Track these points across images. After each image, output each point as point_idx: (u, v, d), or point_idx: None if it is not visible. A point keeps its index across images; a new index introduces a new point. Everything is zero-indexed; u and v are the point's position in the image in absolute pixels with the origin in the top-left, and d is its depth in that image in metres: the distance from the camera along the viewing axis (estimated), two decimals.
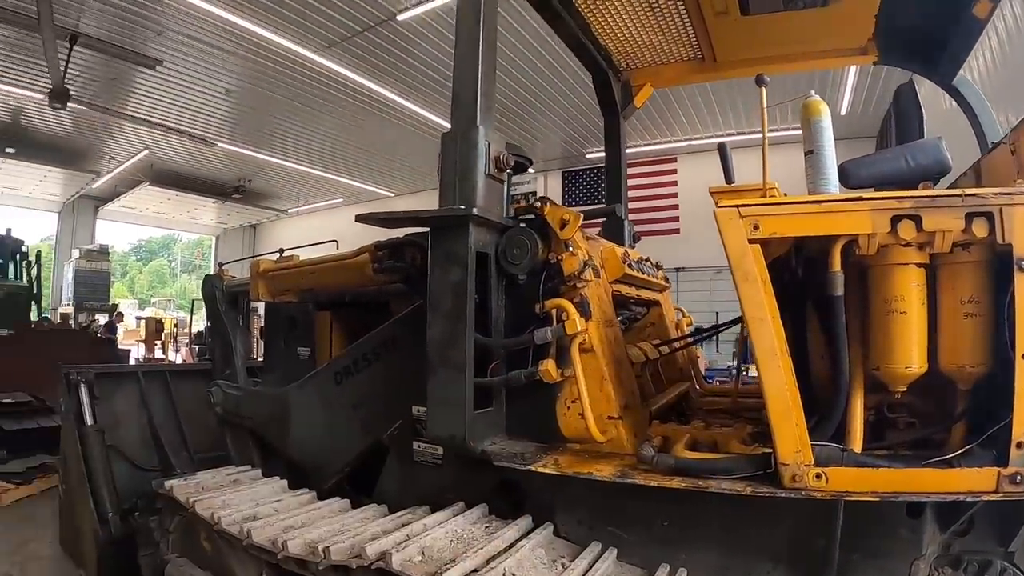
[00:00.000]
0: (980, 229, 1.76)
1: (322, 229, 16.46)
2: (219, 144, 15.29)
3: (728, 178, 2.91)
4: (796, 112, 2.51)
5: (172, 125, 13.71)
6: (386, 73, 11.15)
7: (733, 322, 2.35)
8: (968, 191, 1.80)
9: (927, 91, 7.27)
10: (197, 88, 12.04)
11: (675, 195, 15.22)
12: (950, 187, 2.58)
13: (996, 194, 1.75)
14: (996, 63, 7.33)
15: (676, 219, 15.06)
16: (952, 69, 3.49)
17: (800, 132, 2.50)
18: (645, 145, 14.79)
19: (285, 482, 3.08)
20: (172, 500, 2.97)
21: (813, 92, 2.52)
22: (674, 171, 15.31)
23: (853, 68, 10.36)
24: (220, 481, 3.12)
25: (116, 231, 25.65)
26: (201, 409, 4.03)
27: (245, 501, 2.78)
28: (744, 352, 2.74)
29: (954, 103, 3.60)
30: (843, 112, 11.80)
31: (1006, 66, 7.09)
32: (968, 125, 3.46)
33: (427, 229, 2.45)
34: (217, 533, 2.58)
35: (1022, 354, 1.72)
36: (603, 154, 4.45)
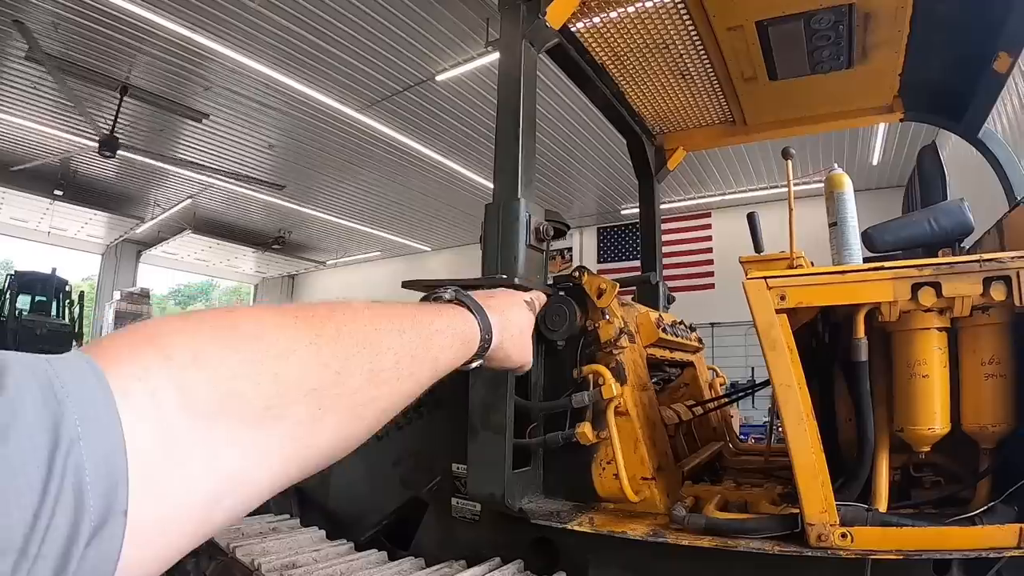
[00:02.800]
0: (998, 293, 1.81)
1: (359, 282, 16.83)
2: (259, 196, 15.79)
3: (757, 247, 3.00)
4: (824, 163, 2.59)
5: (219, 170, 14.23)
6: (424, 131, 11.51)
7: (763, 384, 2.42)
8: (986, 256, 1.86)
9: (955, 144, 7.29)
10: (241, 141, 12.51)
11: (709, 250, 15.20)
12: (974, 245, 2.65)
13: (1013, 258, 1.81)
14: (1022, 112, 7.36)
15: (711, 274, 15.01)
16: (977, 122, 3.55)
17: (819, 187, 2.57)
18: (679, 201, 14.88)
19: (323, 532, 3.13)
20: (211, 544, 3.05)
21: (836, 165, 2.61)
22: (708, 226, 15.33)
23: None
24: (259, 528, 3.18)
25: (157, 275, 26.23)
26: None
27: (284, 549, 2.83)
28: (776, 412, 2.79)
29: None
30: (875, 163, 11.82)
31: None
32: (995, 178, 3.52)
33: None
34: None
35: None
36: (637, 210, 4.54)
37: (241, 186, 14.83)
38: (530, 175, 2.58)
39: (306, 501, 3.54)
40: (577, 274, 2.48)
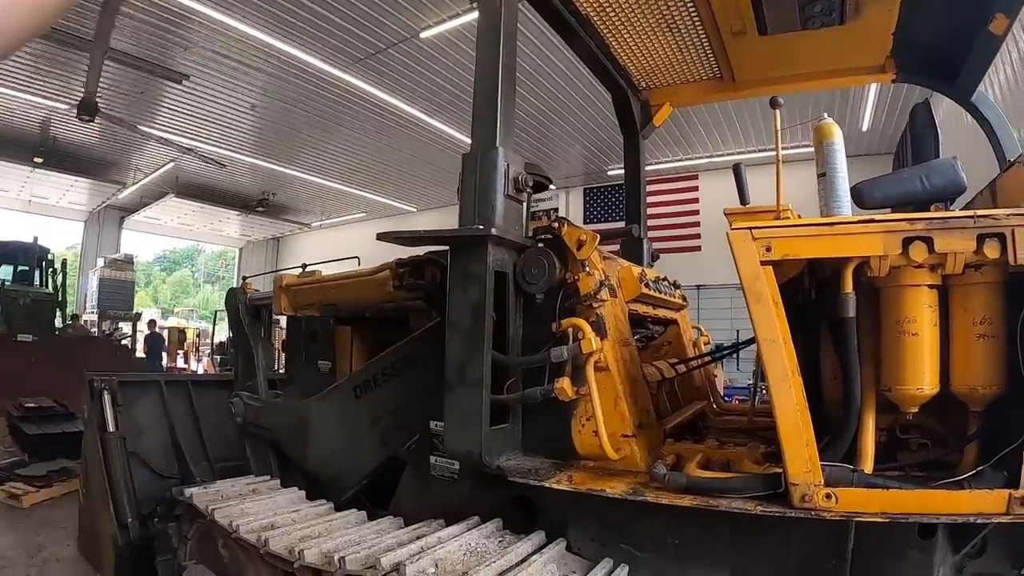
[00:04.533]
0: (992, 250, 1.76)
1: (344, 243, 16.65)
2: (242, 157, 15.55)
3: (743, 199, 2.92)
4: (806, 132, 2.53)
5: (195, 139, 13.99)
6: (409, 90, 11.33)
7: (748, 342, 2.36)
8: (980, 212, 1.81)
9: (947, 108, 7.23)
10: (223, 102, 12.27)
11: (696, 212, 15.17)
12: (966, 207, 2.58)
13: (1008, 215, 1.76)
14: (1017, 80, 7.28)
15: (697, 236, 15.01)
16: (970, 86, 3.47)
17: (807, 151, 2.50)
18: (666, 162, 14.80)
19: (303, 493, 3.12)
20: (192, 507, 3.02)
21: (826, 115, 2.54)
22: (695, 188, 15.30)
23: (874, 85, 10.28)
24: (239, 490, 3.17)
25: (141, 241, 25.99)
26: (222, 419, 4.09)
27: (263, 510, 2.82)
28: (760, 371, 2.75)
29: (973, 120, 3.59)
30: (864, 128, 11.74)
31: None
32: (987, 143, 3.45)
33: (447, 248, 2.49)
34: (235, 541, 2.62)
35: None
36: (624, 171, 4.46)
37: (226, 145, 14.65)
38: (509, 124, 2.49)
39: (286, 462, 3.52)
40: (557, 225, 2.41)
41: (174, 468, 4.67)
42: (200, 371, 19.39)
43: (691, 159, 14.67)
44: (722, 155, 14.04)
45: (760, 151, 13.08)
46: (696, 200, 15.25)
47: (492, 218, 2.32)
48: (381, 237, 2.49)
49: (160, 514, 3.72)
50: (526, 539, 2.26)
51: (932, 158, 2.86)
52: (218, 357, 17.86)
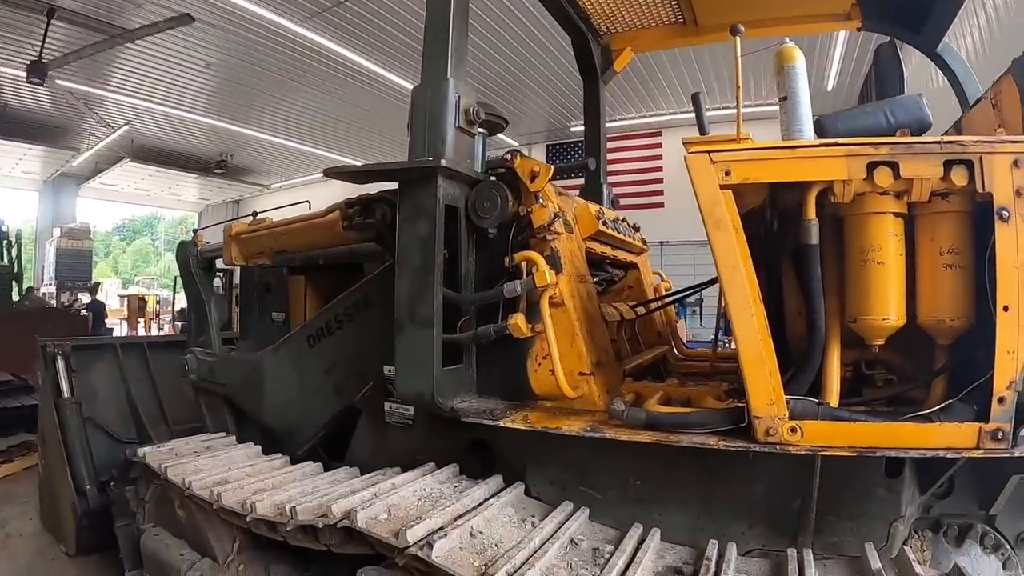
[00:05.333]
0: (959, 178, 1.73)
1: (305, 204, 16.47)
2: (199, 118, 15.12)
3: (701, 129, 2.87)
4: (775, 89, 2.46)
5: (149, 100, 13.54)
6: (367, 44, 11.02)
7: (711, 282, 2.32)
8: (947, 139, 1.77)
9: (916, 63, 7.24)
10: (176, 61, 11.83)
11: (660, 168, 15.13)
12: None
13: (976, 142, 1.73)
14: (984, 44, 7.32)
15: (661, 192, 14.97)
16: (935, 36, 3.43)
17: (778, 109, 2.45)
18: (630, 119, 14.70)
19: (259, 448, 3.07)
20: (146, 467, 2.95)
21: (788, 39, 2.47)
22: (659, 144, 15.24)
23: (840, 44, 10.31)
24: (193, 448, 3.12)
25: (99, 210, 25.38)
26: (179, 380, 4.00)
27: (217, 466, 2.77)
28: (725, 321, 2.73)
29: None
30: (829, 88, 11.82)
31: (993, 46, 7.09)
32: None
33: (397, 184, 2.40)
34: (189, 498, 2.56)
35: (1003, 307, 1.69)
36: None
37: (180, 105, 14.21)
38: (461, 56, 2.39)
39: (242, 418, 3.45)
40: (509, 157, 2.32)
41: (132, 432, 4.60)
42: None
43: (655, 115, 14.60)
44: (686, 112, 13.95)
45: (723, 107, 12.99)
46: (659, 156, 15.20)
47: (442, 150, 2.24)
48: (328, 173, 2.40)
49: (117, 478, 3.64)
50: (483, 483, 2.23)
51: (897, 95, 2.83)
52: (180, 324, 17.61)
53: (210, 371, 3.55)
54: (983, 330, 1.76)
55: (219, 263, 3.88)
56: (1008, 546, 2.16)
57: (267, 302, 3.53)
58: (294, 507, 2.09)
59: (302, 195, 21.05)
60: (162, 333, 20.70)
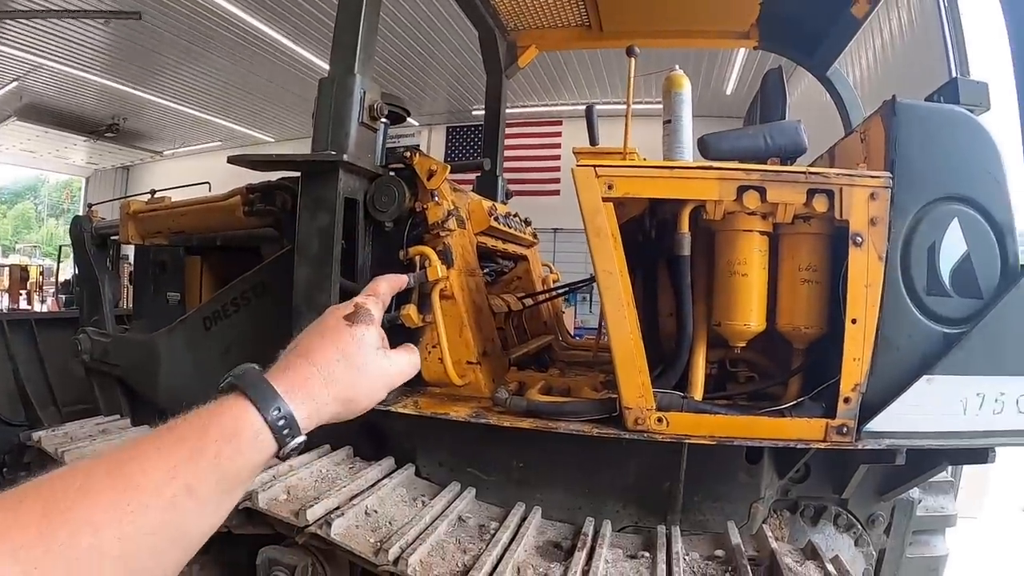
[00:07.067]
0: (820, 204, 1.94)
1: (198, 172, 15.64)
2: (92, 77, 14.27)
3: (592, 140, 3.03)
4: None
5: (40, 56, 12.68)
6: (274, 13, 10.70)
7: (590, 280, 2.50)
8: (812, 169, 2.00)
9: (808, 85, 7.63)
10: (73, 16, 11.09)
11: (558, 156, 15.30)
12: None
13: (838, 174, 1.94)
14: (877, 66, 7.82)
15: (558, 180, 15.11)
16: (828, 61, 3.69)
17: None
18: (532, 106, 14.85)
19: None
20: (41, 452, 2.87)
21: (677, 67, 2.66)
22: (559, 133, 15.44)
23: (741, 54, 10.72)
24: (88, 431, 3.01)
25: None
26: (69, 360, 3.85)
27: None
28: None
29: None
30: (728, 92, 12.26)
31: (886, 69, 7.59)
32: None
33: (299, 174, 2.44)
34: None
35: (852, 320, 1.91)
36: None
37: (74, 64, 13.38)
38: (369, 51, 2.45)
39: (137, 400, 3.38)
40: (409, 155, 2.42)
41: (21, 415, 4.35)
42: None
43: (557, 105, 14.82)
44: (588, 103, 14.18)
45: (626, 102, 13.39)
46: (559, 145, 15.39)
47: (345, 144, 2.30)
48: (233, 160, 2.42)
49: (9, 463, 3.50)
50: (376, 465, 2.34)
51: (779, 119, 3.06)
52: (64, 296, 16.60)
53: (103, 352, 3.44)
54: (834, 338, 1.99)
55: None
56: (860, 526, 2.43)
57: (162, 282, 3.46)
58: None
59: (196, 163, 20.16)
60: (46, 308, 19.49)
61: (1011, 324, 1.93)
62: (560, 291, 3.97)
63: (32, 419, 4.28)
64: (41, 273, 22.98)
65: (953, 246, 1.95)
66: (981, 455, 2.06)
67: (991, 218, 1.94)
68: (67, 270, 16.31)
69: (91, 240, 3.73)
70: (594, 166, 2.03)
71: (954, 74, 5.84)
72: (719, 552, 1.97)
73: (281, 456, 0.83)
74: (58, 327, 4.73)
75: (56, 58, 13.12)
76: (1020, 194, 2.03)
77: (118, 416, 3.30)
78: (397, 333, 2.35)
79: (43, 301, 20.72)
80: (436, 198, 2.42)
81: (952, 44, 6.15)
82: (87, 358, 3.52)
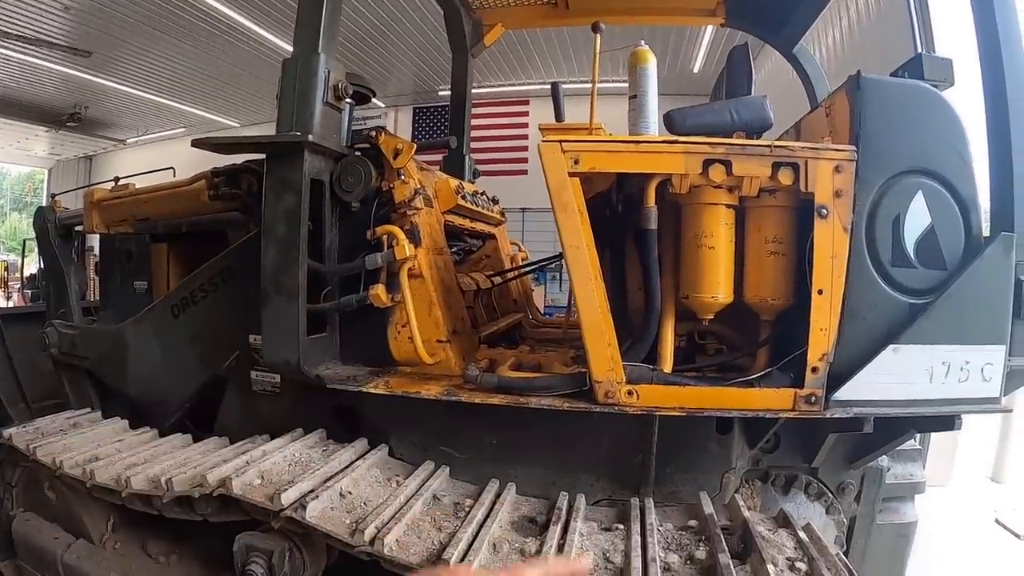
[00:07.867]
0: (786, 178, 1.95)
1: (162, 160, 15.38)
2: (52, 66, 13.89)
3: (558, 116, 3.02)
4: None
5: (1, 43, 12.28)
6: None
7: (559, 256, 2.50)
8: (777, 143, 2.01)
9: (774, 64, 7.65)
10: (31, 2, 10.71)
11: (525, 136, 15.07)
12: None
13: (802, 147, 1.96)
14: (843, 44, 7.87)
15: (525, 160, 14.88)
16: (793, 38, 3.69)
17: None
18: (499, 86, 14.71)
19: (126, 422, 3.00)
20: (12, 449, 2.83)
21: (643, 42, 2.66)
22: (526, 113, 15.26)
23: (709, 31, 10.67)
24: (59, 426, 3.00)
25: None
26: (36, 355, 3.79)
27: (86, 443, 2.71)
28: None
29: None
30: (696, 70, 12.20)
31: (852, 46, 7.65)
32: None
33: (264, 157, 2.41)
34: (59, 478, 2.51)
35: (819, 290, 1.93)
36: None
37: (33, 52, 12.94)
38: (333, 31, 2.42)
39: (107, 392, 3.34)
40: (374, 134, 2.40)
41: None
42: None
43: (524, 84, 14.68)
44: (555, 81, 14.13)
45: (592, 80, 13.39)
46: (526, 125, 15.18)
47: (310, 125, 2.27)
48: (197, 144, 2.37)
49: None
50: (349, 447, 2.35)
51: (745, 95, 3.07)
52: (30, 291, 16.27)
53: (71, 344, 3.39)
54: (801, 309, 2.01)
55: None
56: (830, 494, 2.49)
57: (128, 270, 3.41)
58: (169, 479, 2.14)
59: (160, 151, 19.75)
60: (12, 302, 19.09)
61: (975, 294, 1.96)
62: (529, 268, 3.98)
63: (2, 417, 4.20)
64: (6, 269, 22.44)
65: (918, 218, 1.97)
66: (947, 423, 2.11)
67: (955, 191, 1.97)
68: (32, 265, 15.99)
69: (55, 231, 3.67)
70: (560, 141, 2.03)
71: (919, 50, 5.90)
72: (692, 522, 2.00)
73: None
74: (25, 322, 4.63)
75: (12, 46, 12.68)
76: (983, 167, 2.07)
77: (88, 409, 3.27)
78: (367, 314, 2.36)
79: (8, 297, 20.28)
80: (402, 177, 2.40)
81: (918, 21, 6.21)
82: (55, 351, 3.47)
